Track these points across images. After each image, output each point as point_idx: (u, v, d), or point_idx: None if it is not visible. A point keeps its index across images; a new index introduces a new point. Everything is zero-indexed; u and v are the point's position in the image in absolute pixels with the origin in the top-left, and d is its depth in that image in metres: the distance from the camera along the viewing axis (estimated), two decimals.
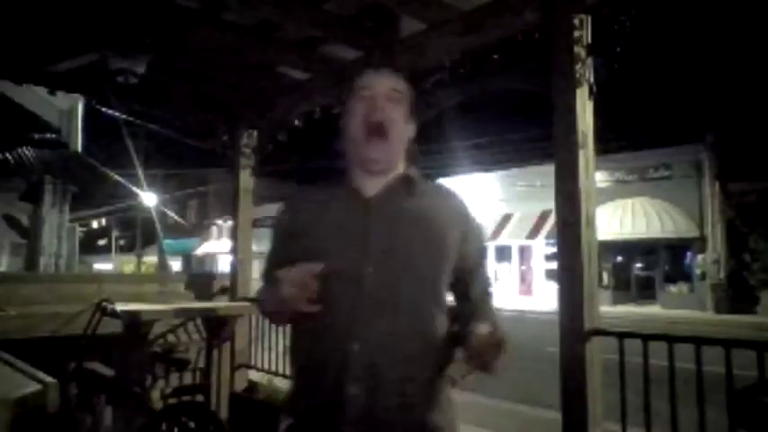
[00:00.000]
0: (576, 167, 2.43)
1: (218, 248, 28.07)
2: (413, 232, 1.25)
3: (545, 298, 18.02)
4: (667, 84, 26.60)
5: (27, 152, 7.62)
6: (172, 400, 3.07)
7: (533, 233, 19.57)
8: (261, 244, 4.89)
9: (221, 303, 4.34)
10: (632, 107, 19.97)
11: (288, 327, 1.37)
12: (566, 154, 2.48)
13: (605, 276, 18.30)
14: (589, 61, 2.48)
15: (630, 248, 19.26)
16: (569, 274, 2.43)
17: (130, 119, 10.43)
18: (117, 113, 9.42)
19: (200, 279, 5.01)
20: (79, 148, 8.45)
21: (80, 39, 3.45)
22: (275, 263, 1.34)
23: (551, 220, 17.20)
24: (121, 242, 34.22)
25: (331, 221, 1.27)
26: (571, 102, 2.46)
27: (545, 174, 12.46)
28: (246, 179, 4.57)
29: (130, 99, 4.41)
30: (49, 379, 1.37)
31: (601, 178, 16.61)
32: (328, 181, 1.38)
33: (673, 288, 17.76)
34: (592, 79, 2.49)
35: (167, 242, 24.47)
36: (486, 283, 1.41)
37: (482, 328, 1.13)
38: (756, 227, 15.77)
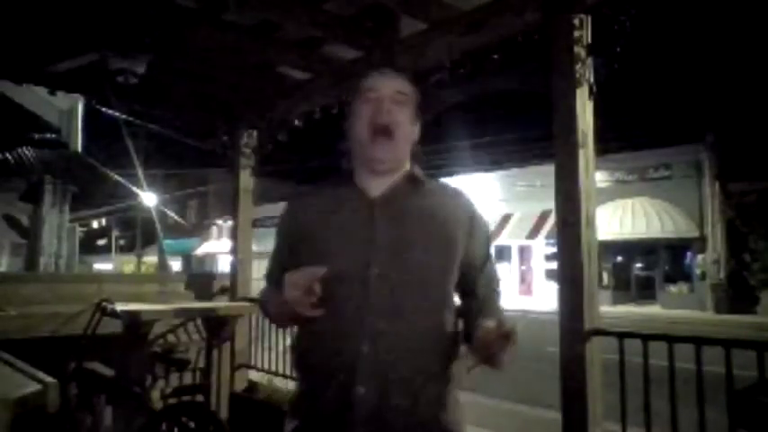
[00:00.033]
0: (576, 167, 2.43)
1: (218, 248, 28.04)
2: (419, 231, 1.24)
3: (545, 298, 18.01)
4: (667, 84, 26.63)
5: (27, 152, 7.62)
6: (172, 400, 3.07)
7: (533, 233, 19.55)
8: (261, 244, 4.90)
9: (221, 303, 4.34)
10: (632, 107, 20.01)
11: (288, 327, 1.36)
12: (566, 154, 2.48)
13: (605, 276, 18.30)
14: (589, 61, 2.48)
15: (630, 248, 19.26)
16: (569, 273, 2.43)
17: (130, 119, 10.43)
18: (117, 113, 9.41)
19: (200, 279, 5.00)
20: (79, 148, 8.46)
21: (80, 39, 3.44)
22: (279, 263, 1.33)
23: (551, 220, 17.19)
24: (121, 242, 34.19)
25: (336, 222, 1.26)
26: (571, 102, 2.45)
27: (545, 174, 12.45)
28: (246, 179, 4.57)
29: (130, 99, 4.40)
30: (49, 379, 1.36)
31: (601, 178, 16.60)
32: (332, 181, 1.37)
33: (673, 288, 17.75)
34: (592, 79, 2.49)
35: (167, 242, 24.44)
36: (493, 282, 1.40)
37: (489, 322, 1.13)
38: (756, 227, 15.75)
